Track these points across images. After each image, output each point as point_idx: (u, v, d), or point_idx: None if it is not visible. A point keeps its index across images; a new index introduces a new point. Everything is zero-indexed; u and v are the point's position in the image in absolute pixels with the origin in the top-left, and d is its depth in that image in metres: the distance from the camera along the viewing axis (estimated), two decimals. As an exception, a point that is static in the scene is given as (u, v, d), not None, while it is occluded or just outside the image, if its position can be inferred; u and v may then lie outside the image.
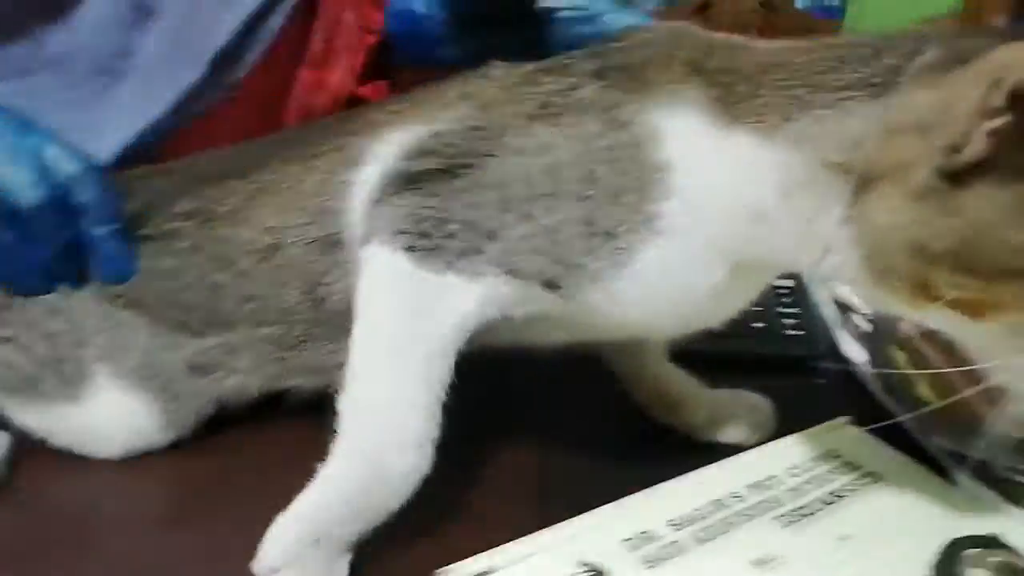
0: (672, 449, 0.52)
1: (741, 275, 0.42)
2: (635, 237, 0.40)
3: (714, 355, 0.60)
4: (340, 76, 0.70)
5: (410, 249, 0.41)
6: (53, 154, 0.45)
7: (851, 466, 0.48)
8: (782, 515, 0.44)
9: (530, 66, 0.46)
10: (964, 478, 0.47)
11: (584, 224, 0.40)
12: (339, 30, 0.69)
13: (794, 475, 0.47)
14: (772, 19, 3.54)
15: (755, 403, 0.55)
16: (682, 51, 0.42)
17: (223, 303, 0.49)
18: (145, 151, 0.59)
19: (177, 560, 0.43)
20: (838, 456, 0.49)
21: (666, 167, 0.40)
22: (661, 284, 0.41)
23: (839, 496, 0.46)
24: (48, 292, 0.48)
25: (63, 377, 0.49)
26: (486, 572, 0.40)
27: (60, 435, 0.50)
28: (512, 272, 0.41)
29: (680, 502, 0.45)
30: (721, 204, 0.40)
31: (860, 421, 0.52)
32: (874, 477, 0.47)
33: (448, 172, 0.42)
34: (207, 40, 0.63)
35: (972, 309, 0.36)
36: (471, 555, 0.41)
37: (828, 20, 3.63)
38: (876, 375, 0.53)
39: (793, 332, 0.65)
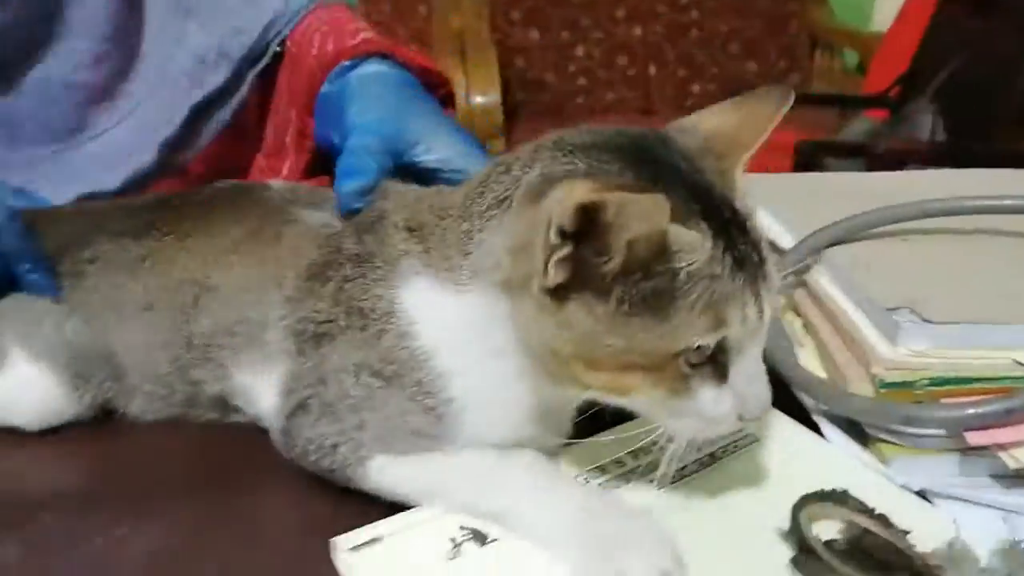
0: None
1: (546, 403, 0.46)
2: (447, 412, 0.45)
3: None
4: (289, 168, 0.74)
5: None
6: None
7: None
8: (660, 476, 0.47)
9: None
10: (838, 438, 0.50)
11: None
12: (287, 128, 0.74)
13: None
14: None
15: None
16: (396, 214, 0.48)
17: (114, 348, 0.55)
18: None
19: (89, 533, 0.46)
20: (723, 419, 0.52)
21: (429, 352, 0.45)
22: (494, 435, 0.46)
23: (717, 457, 0.49)
24: None
25: None
26: (375, 539, 0.43)
27: None
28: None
29: (564, 469, 0.48)
30: (478, 358, 0.45)
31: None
32: (753, 438, 0.50)
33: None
34: (160, 130, 0.72)
35: (617, 391, 0.42)
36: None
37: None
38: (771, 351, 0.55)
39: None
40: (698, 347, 0.39)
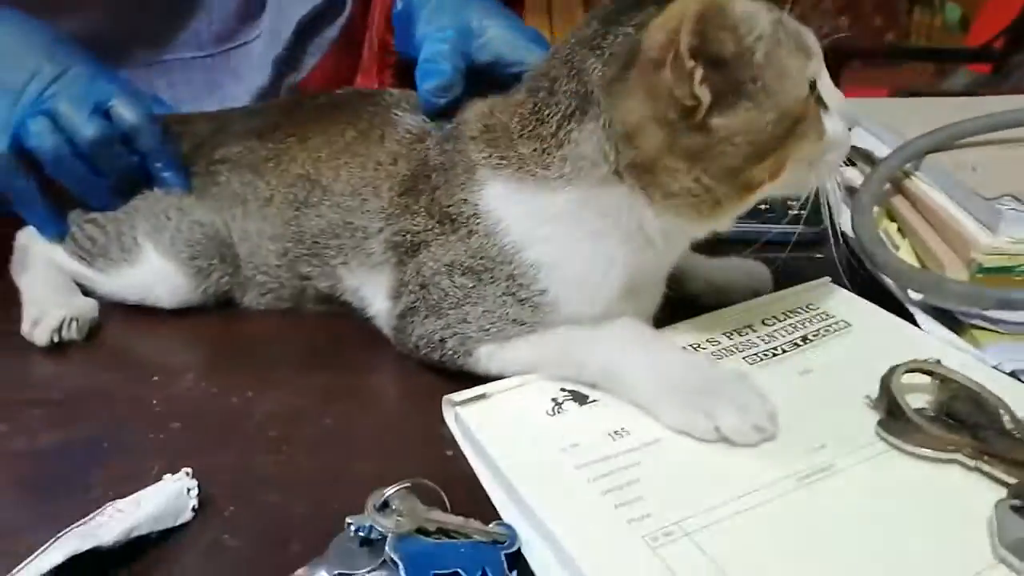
0: (679, 313, 0.57)
1: (636, 278, 0.49)
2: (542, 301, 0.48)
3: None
4: (377, 85, 0.80)
5: None
6: (118, 103, 0.59)
7: (826, 315, 0.53)
8: (753, 354, 0.49)
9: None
10: (929, 323, 0.50)
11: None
12: (381, 44, 0.80)
13: (767, 324, 0.52)
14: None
15: (752, 269, 0.59)
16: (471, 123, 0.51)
17: (234, 240, 0.60)
18: None
19: (224, 391, 0.51)
20: (816, 308, 0.53)
21: (518, 246, 0.48)
22: (583, 313, 0.48)
23: (809, 340, 0.50)
24: (114, 207, 0.61)
25: (123, 247, 0.60)
26: (483, 395, 0.47)
27: (124, 292, 0.61)
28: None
29: (663, 343, 0.50)
30: (572, 246, 0.48)
31: (851, 285, 0.56)
32: (846, 324, 0.51)
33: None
34: (272, 47, 0.78)
35: (778, 169, 0.46)
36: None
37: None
38: (864, 246, 0.56)
39: (798, 212, 0.68)
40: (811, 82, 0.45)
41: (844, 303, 0.54)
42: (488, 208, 0.49)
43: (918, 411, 0.42)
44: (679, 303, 0.57)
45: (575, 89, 0.46)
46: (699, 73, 0.42)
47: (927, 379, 0.44)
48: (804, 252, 0.66)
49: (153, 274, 0.60)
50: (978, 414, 0.40)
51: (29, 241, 0.64)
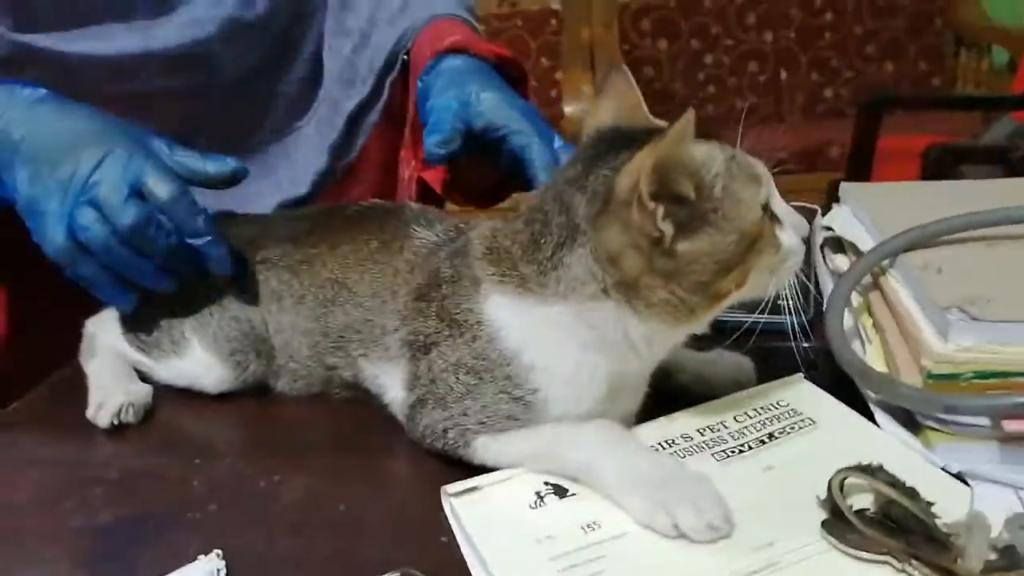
0: (665, 404, 0.62)
1: (619, 382, 0.56)
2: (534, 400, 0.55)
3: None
4: (418, 158, 0.88)
5: None
6: (150, 181, 0.62)
7: (793, 412, 0.57)
8: (721, 451, 0.54)
9: None
10: (887, 422, 0.55)
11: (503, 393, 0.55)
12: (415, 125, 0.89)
13: (739, 420, 0.57)
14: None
15: (737, 362, 0.65)
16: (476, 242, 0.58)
17: (270, 334, 0.68)
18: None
19: (255, 476, 0.59)
20: (785, 405, 0.58)
21: (515, 351, 0.55)
22: (570, 412, 0.55)
23: (775, 436, 0.55)
24: (170, 289, 0.67)
25: (172, 340, 0.68)
26: (475, 488, 0.53)
27: (175, 379, 0.70)
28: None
29: (643, 439, 0.56)
30: (563, 353, 0.54)
31: (824, 380, 0.61)
32: (811, 422, 0.56)
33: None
34: (328, 135, 0.90)
35: (741, 280, 0.53)
36: (466, 476, 0.54)
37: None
38: (830, 342, 0.60)
39: (783, 303, 0.73)
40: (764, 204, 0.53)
41: (812, 400, 0.58)
42: (490, 317, 0.55)
43: (859, 512, 0.46)
44: (668, 393, 0.63)
45: (565, 222, 0.53)
46: (660, 211, 0.50)
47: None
48: (788, 342, 0.71)
49: (198, 365, 0.68)
50: (911, 518, 0.45)
51: (96, 330, 0.73)
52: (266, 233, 0.71)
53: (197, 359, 0.68)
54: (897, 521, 0.45)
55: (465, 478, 0.54)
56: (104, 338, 0.72)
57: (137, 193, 0.62)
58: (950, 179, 1.88)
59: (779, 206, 0.55)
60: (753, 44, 3.50)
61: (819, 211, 0.86)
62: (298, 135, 0.92)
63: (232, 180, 0.68)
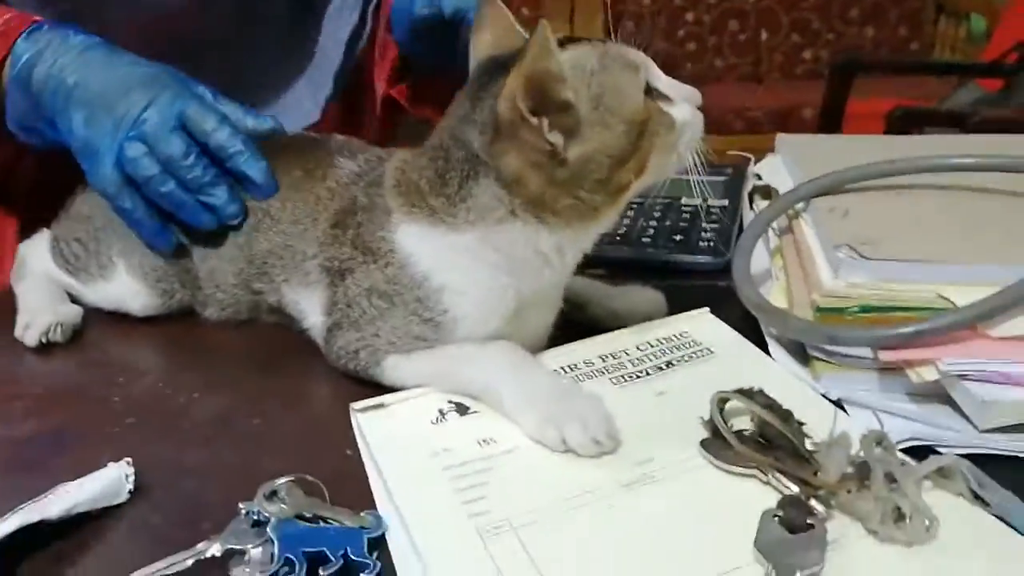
0: (575, 338, 0.64)
1: (531, 299, 0.58)
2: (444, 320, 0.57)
3: (632, 260, 0.73)
4: (383, 80, 0.92)
5: None
6: (193, 113, 0.65)
7: (694, 343, 0.60)
8: (619, 375, 0.57)
9: None
10: (780, 353, 0.57)
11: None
12: (383, 44, 0.91)
13: (640, 349, 0.59)
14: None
15: (650, 296, 0.67)
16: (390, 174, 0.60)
17: (196, 263, 0.69)
18: None
19: (175, 393, 0.61)
20: (687, 336, 0.61)
21: (425, 274, 0.57)
22: (478, 331, 0.57)
23: (672, 364, 0.58)
24: (210, 225, 0.67)
25: (100, 264, 0.70)
26: (380, 404, 0.55)
27: (102, 303, 0.71)
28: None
29: (546, 364, 0.58)
30: (472, 276, 0.56)
31: (733, 316, 0.63)
32: (709, 352, 0.59)
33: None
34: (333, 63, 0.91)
35: (641, 166, 0.55)
36: (372, 394, 0.56)
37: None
38: (735, 280, 0.63)
39: (706, 244, 0.76)
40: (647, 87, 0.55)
41: (713, 333, 0.61)
42: (401, 245, 0.57)
43: (737, 432, 0.49)
44: (581, 326, 0.65)
45: (465, 156, 0.55)
46: (545, 123, 0.52)
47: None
48: (710, 280, 0.73)
49: (124, 290, 0.70)
50: (781, 437, 0.47)
51: (28, 253, 0.74)
52: None
53: (123, 284, 0.69)
54: (769, 439, 0.48)
55: (375, 395, 0.56)
56: (35, 262, 0.73)
57: (183, 128, 0.65)
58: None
59: (666, 83, 0.57)
60: (735, 3, 3.49)
61: (751, 160, 0.87)
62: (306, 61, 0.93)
63: (267, 137, 0.69)
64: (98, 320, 0.71)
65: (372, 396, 0.56)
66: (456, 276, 0.56)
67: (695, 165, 0.57)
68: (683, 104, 0.56)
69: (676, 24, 3.52)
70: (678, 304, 0.66)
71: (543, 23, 0.49)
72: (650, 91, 0.55)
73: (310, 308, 0.64)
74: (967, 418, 0.50)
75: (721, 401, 0.50)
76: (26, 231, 0.78)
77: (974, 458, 0.46)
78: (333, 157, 0.66)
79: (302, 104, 0.90)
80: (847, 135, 0.90)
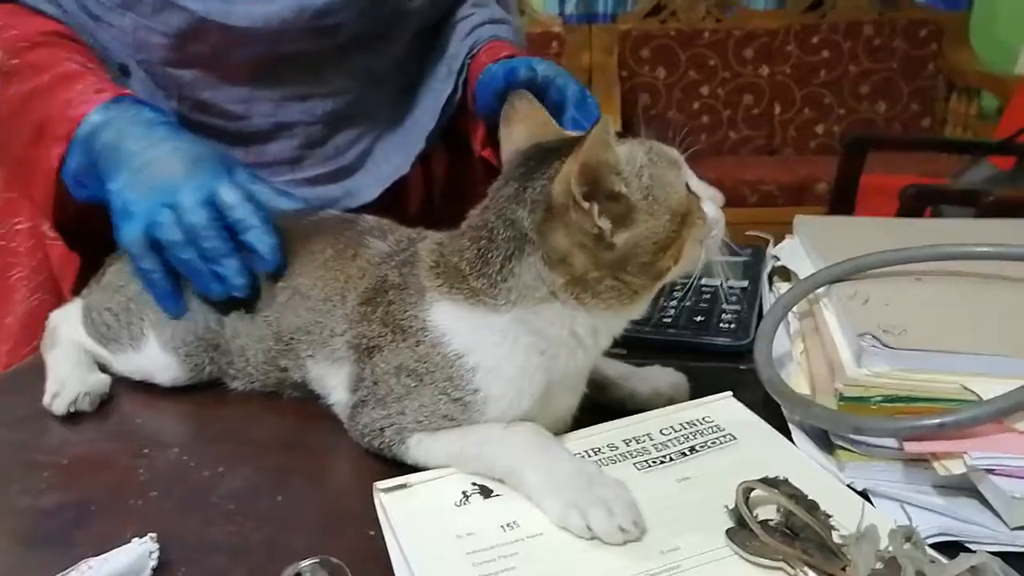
0: (599, 420, 0.64)
1: (560, 380, 0.59)
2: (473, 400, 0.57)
3: (653, 340, 0.74)
4: (478, 143, 0.98)
5: None
6: (223, 190, 0.70)
7: (717, 428, 0.60)
8: (643, 460, 0.57)
9: None
10: (803, 440, 0.57)
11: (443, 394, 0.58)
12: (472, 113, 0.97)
13: (664, 433, 0.59)
14: (890, 17, 3.46)
15: (672, 379, 0.67)
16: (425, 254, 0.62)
17: (226, 338, 0.71)
18: None
19: (200, 466, 0.61)
20: (710, 421, 0.61)
21: (459, 353, 0.57)
22: (509, 412, 0.58)
23: (696, 450, 0.58)
24: (220, 295, 0.69)
25: (131, 335, 0.71)
26: (404, 485, 0.55)
27: (132, 372, 0.73)
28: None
29: (570, 447, 0.58)
30: (506, 356, 0.57)
31: (755, 400, 0.63)
32: (732, 438, 0.59)
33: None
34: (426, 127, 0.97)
35: (677, 255, 0.57)
36: (397, 474, 0.56)
37: (951, 12, 3.51)
38: (757, 365, 0.63)
39: (727, 326, 0.76)
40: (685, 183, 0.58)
41: (736, 418, 0.61)
42: (435, 323, 0.58)
43: (763, 522, 0.49)
44: (603, 408, 0.65)
45: (512, 235, 0.56)
46: (596, 209, 0.54)
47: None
48: (731, 363, 0.74)
49: (155, 362, 0.71)
50: (808, 529, 0.47)
51: (59, 321, 0.75)
52: None
53: (154, 356, 0.70)
54: (796, 531, 0.48)
55: (399, 474, 0.56)
56: (66, 329, 0.74)
57: (212, 204, 0.69)
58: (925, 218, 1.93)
59: (695, 183, 0.59)
60: (749, 78, 3.56)
61: (770, 241, 0.89)
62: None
63: (302, 218, 0.73)
64: (125, 389, 0.72)
65: (395, 475, 0.57)
66: (490, 356, 0.57)
67: (720, 262, 0.61)
68: (709, 203, 0.59)
69: (691, 97, 3.59)
70: (699, 386, 0.67)
71: (606, 118, 0.53)
72: (687, 187, 0.58)
73: (335, 384, 0.64)
74: (997, 513, 0.49)
75: (746, 490, 0.50)
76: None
77: (1006, 556, 0.46)
78: (363, 237, 0.67)
79: (390, 160, 0.96)
80: (863, 217, 0.91)
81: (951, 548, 0.48)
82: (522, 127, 0.62)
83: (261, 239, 0.69)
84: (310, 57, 0.87)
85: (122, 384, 0.73)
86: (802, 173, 3.18)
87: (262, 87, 0.87)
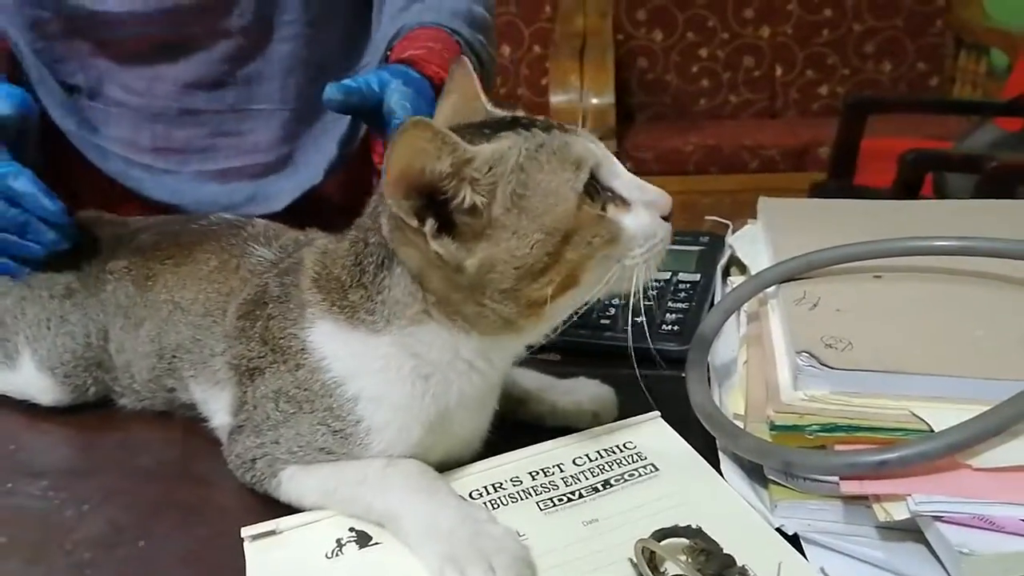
0: (514, 440, 0.57)
1: (459, 405, 0.51)
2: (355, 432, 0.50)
3: (588, 345, 0.66)
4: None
5: None
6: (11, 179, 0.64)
7: (638, 457, 0.53)
8: (548, 499, 0.50)
9: None
10: (732, 472, 0.50)
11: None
12: None
13: (577, 464, 0.52)
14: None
15: (597, 392, 0.60)
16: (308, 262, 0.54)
17: (111, 352, 0.64)
18: None
19: (64, 505, 0.55)
20: (632, 448, 0.54)
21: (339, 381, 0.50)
22: (397, 445, 0.50)
23: (610, 484, 0.51)
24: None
25: (6, 352, 0.65)
26: (272, 531, 0.48)
27: (9, 392, 0.66)
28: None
29: (467, 483, 0.51)
30: (390, 384, 0.50)
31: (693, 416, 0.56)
32: (653, 469, 0.52)
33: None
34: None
35: (572, 280, 0.47)
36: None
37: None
38: (688, 381, 0.56)
39: (670, 328, 0.69)
40: (586, 190, 0.46)
41: (662, 445, 0.54)
42: (316, 346, 0.51)
43: (671, 580, 0.42)
44: (521, 425, 0.58)
45: (380, 240, 0.49)
46: (431, 227, 0.45)
47: (698, 541, 0.44)
48: (676, 370, 0.66)
49: (31, 384, 0.64)
50: (719, 592, 0.40)
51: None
52: (124, 240, 0.67)
53: (29, 377, 0.64)
54: (706, 593, 0.41)
55: (284, 515, 0.50)
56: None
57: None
58: (928, 185, 1.83)
59: (625, 183, 0.49)
60: (749, 39, 3.42)
61: (730, 227, 0.81)
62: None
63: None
64: (6, 406, 0.66)
65: (281, 514, 0.50)
66: (373, 384, 0.50)
67: (647, 283, 0.49)
68: (641, 211, 0.48)
69: (689, 60, 3.46)
70: (634, 398, 0.59)
71: (421, 120, 0.43)
72: (597, 192, 0.47)
73: (217, 407, 0.58)
74: (945, 568, 0.42)
75: (646, 545, 0.43)
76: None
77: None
78: (248, 244, 0.60)
79: (311, 163, 0.88)
80: (838, 200, 0.82)
81: (890, 610, 0.41)
82: (452, 100, 0.54)
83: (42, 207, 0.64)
84: (214, 39, 0.80)
85: (5, 402, 0.66)
86: (805, 137, 3.06)
87: (165, 67, 0.81)
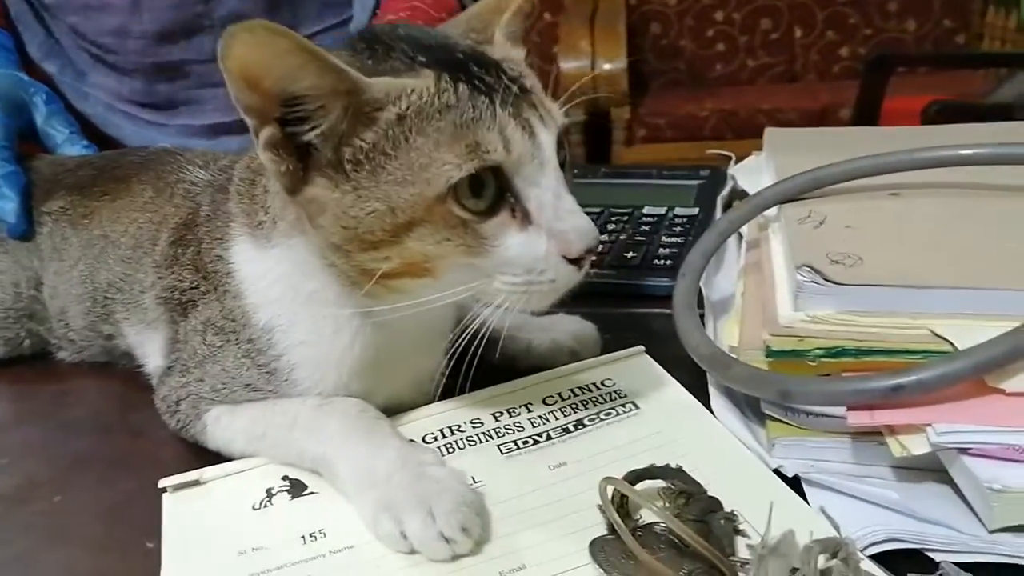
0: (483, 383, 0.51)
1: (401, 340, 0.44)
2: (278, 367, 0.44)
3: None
4: None
5: None
6: None
7: (617, 395, 0.46)
8: (511, 441, 0.43)
9: None
10: (723, 408, 0.43)
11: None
12: None
13: (548, 403, 0.46)
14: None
15: (576, 329, 0.53)
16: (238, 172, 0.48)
17: (46, 301, 0.58)
18: None
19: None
20: (611, 385, 0.47)
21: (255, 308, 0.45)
22: (324, 384, 0.44)
23: (584, 424, 0.44)
24: None
25: None
26: (195, 482, 0.43)
27: None
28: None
29: (421, 425, 0.45)
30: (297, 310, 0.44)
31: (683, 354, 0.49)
32: (633, 407, 0.45)
33: None
34: None
35: (418, 269, 0.39)
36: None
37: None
38: (674, 311, 0.49)
39: (663, 263, 0.62)
40: (471, 186, 0.37)
41: (645, 381, 0.47)
42: (236, 267, 0.45)
43: (645, 527, 0.36)
44: (497, 365, 0.52)
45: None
46: (267, 134, 0.38)
47: (679, 485, 0.37)
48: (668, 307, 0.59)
49: None
50: (705, 539, 0.34)
51: None
52: (61, 179, 0.61)
53: None
54: (685, 541, 0.34)
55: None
56: None
57: None
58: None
59: (547, 200, 0.39)
60: (766, 0, 3.32)
61: (732, 159, 0.73)
62: None
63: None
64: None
65: (211, 463, 0.44)
66: (282, 311, 0.44)
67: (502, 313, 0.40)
68: (539, 237, 0.39)
69: (705, 24, 3.35)
70: (623, 337, 0.53)
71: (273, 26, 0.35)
72: (497, 194, 0.38)
73: (151, 351, 0.52)
74: (972, 508, 0.35)
75: (631, 478, 0.37)
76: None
77: (979, 568, 0.32)
78: (185, 168, 0.54)
79: None
80: (850, 128, 0.75)
81: (904, 560, 0.34)
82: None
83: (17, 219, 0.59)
84: None
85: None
86: (824, 100, 2.95)
87: (129, 21, 0.77)
